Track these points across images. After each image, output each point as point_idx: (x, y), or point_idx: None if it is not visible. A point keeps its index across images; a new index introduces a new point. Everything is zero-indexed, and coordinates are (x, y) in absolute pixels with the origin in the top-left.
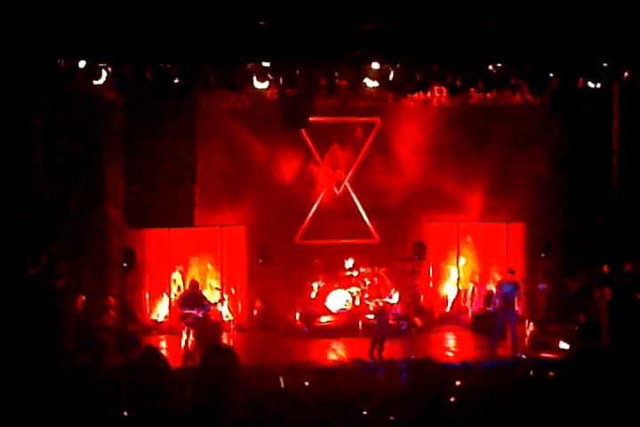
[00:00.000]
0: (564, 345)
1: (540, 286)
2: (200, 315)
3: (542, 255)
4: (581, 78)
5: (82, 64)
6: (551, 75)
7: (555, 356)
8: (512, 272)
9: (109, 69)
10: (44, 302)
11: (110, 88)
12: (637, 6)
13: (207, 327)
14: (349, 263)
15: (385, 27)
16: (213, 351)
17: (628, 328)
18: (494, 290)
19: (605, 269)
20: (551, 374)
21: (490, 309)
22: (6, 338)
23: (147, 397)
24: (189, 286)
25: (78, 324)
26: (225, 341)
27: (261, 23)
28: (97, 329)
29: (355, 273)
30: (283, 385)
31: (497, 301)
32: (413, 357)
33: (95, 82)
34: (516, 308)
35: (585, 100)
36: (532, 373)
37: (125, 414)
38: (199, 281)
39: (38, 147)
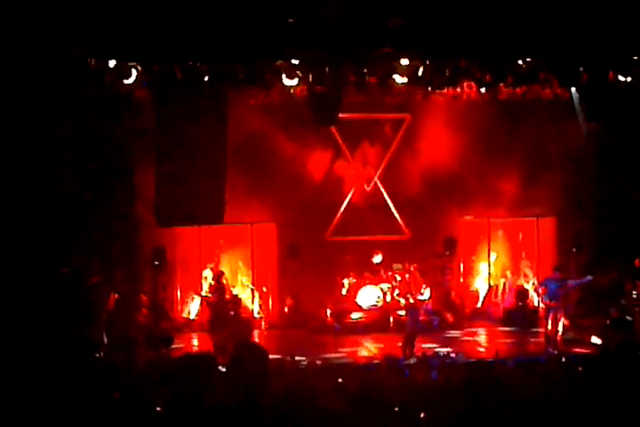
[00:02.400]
0: (596, 340)
1: (586, 279)
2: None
3: (574, 250)
4: (611, 71)
5: (112, 63)
6: (581, 68)
7: (587, 351)
8: (558, 269)
9: (139, 68)
10: (76, 300)
11: (140, 87)
12: None
13: (238, 325)
14: (377, 259)
15: (413, 22)
16: (244, 349)
17: None
18: (535, 287)
19: (637, 263)
20: (581, 369)
21: (520, 304)
22: (39, 335)
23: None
24: (214, 277)
25: (111, 321)
26: (256, 338)
27: (290, 20)
28: (129, 327)
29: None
30: None
31: (544, 298)
32: (443, 353)
33: (125, 81)
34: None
35: (615, 94)
36: (563, 368)
37: (158, 409)
38: (228, 278)
39: (69, 147)
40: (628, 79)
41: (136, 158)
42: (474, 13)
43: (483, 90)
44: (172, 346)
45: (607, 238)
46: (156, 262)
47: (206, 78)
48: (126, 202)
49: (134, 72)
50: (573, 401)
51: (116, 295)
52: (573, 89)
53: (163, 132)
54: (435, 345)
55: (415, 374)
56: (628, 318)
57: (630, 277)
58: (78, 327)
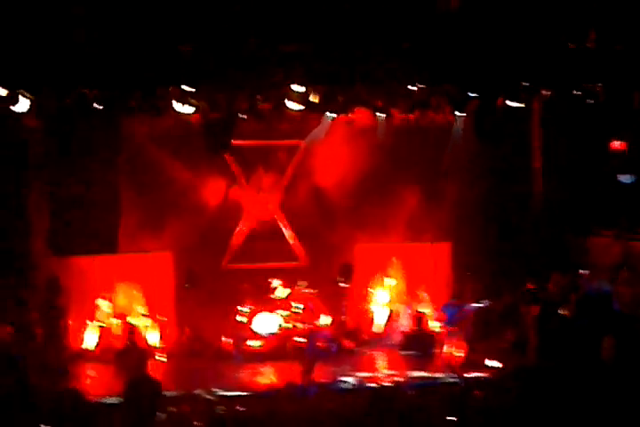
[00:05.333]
0: (491, 363)
1: (481, 303)
2: None
3: (468, 274)
4: (501, 97)
5: (1, 92)
6: (471, 94)
7: (484, 374)
8: (455, 294)
9: (29, 96)
10: None
11: (31, 115)
12: (556, 25)
13: (132, 356)
14: (275, 284)
15: (306, 48)
16: (136, 382)
17: (554, 344)
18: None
19: (531, 286)
20: (478, 392)
21: (418, 328)
22: None
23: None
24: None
25: (5, 354)
26: (151, 368)
27: (182, 48)
28: (23, 357)
29: (281, 293)
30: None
31: (442, 324)
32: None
33: (15, 109)
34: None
35: (506, 119)
36: (461, 391)
37: None
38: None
39: None
40: (518, 105)
41: (29, 188)
42: (365, 39)
43: (377, 116)
44: (68, 377)
45: (501, 262)
46: (51, 292)
47: (98, 106)
48: (19, 231)
49: (24, 100)
50: (472, 424)
51: (10, 328)
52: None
53: (55, 161)
54: (334, 371)
55: (316, 402)
56: (522, 341)
57: (524, 300)
58: None
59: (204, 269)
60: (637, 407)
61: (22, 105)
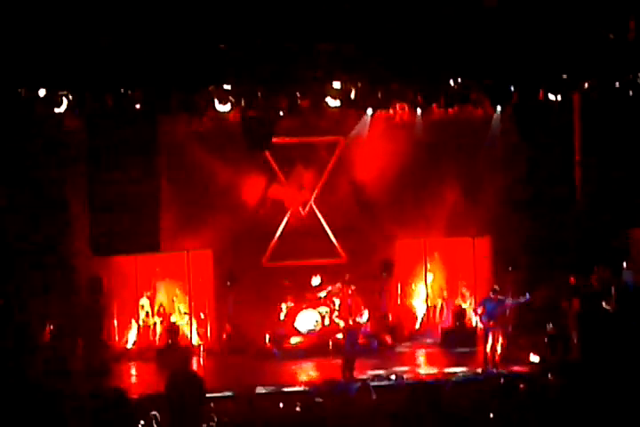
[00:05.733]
0: (534, 358)
1: (522, 299)
2: None
3: (509, 269)
4: (542, 90)
5: (42, 92)
6: (512, 88)
7: (525, 369)
8: (495, 290)
9: (70, 97)
10: (10, 333)
11: (72, 116)
12: (595, 17)
13: (175, 353)
14: (316, 281)
15: (343, 45)
16: (178, 378)
17: (597, 339)
18: (473, 307)
19: (572, 280)
20: (521, 387)
21: (458, 324)
22: None
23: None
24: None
25: (47, 353)
26: (194, 366)
27: (221, 46)
28: (66, 357)
29: (322, 294)
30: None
31: (482, 318)
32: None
33: (56, 110)
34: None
35: (547, 113)
36: (502, 386)
37: None
38: (166, 306)
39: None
40: (559, 98)
41: (70, 187)
42: (404, 35)
43: (418, 111)
44: (110, 376)
45: (542, 256)
46: (92, 292)
47: (138, 106)
48: (61, 232)
49: (65, 101)
50: (516, 420)
51: (51, 327)
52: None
53: (95, 161)
54: (375, 367)
55: (357, 398)
56: (564, 335)
57: (566, 294)
58: (13, 360)
59: (244, 266)
60: None
61: (63, 104)
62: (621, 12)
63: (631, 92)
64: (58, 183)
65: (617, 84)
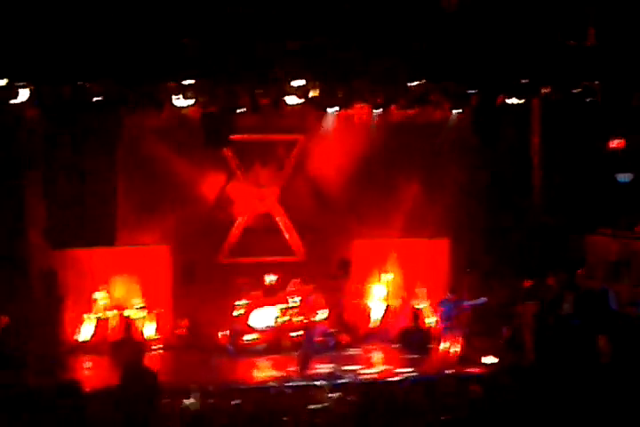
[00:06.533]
0: (488, 360)
1: (480, 300)
2: None
3: (467, 270)
4: (501, 95)
5: (1, 82)
6: (471, 91)
7: (480, 370)
8: (453, 290)
9: (29, 88)
10: None
11: (30, 107)
12: (555, 24)
13: (129, 347)
14: (270, 279)
15: (307, 44)
16: (132, 372)
17: (551, 343)
18: (430, 308)
19: (529, 283)
20: (474, 388)
21: (415, 324)
22: None
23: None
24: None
25: (1, 346)
26: (148, 361)
27: (184, 41)
28: (20, 350)
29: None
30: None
31: (439, 319)
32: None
33: (13, 101)
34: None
35: (505, 117)
36: (455, 388)
37: None
38: (121, 300)
39: None
40: (518, 101)
41: (27, 180)
42: (367, 35)
43: (375, 111)
44: (64, 369)
45: (498, 259)
46: (48, 285)
47: (97, 99)
48: (16, 224)
49: (24, 92)
50: (469, 419)
51: (6, 319)
52: None
53: (53, 154)
54: (330, 366)
55: (312, 395)
56: (519, 338)
57: (522, 298)
58: None
59: (201, 262)
60: (634, 406)
61: (21, 95)
62: (581, 19)
63: (589, 99)
64: (14, 176)
65: (575, 90)
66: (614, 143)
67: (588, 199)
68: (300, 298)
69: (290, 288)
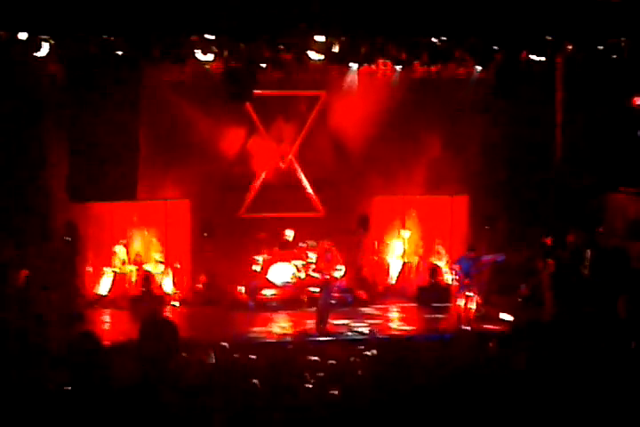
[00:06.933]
0: (506, 317)
1: (498, 257)
2: None
3: (486, 228)
4: (525, 51)
5: (23, 36)
6: (495, 47)
7: (498, 328)
8: (472, 247)
9: (51, 41)
10: None
11: (53, 60)
12: None
13: (149, 301)
14: (290, 235)
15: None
16: (152, 324)
17: (570, 301)
18: (449, 264)
19: (548, 241)
20: (492, 345)
21: (433, 281)
22: None
23: (83, 373)
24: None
25: (22, 298)
26: (167, 314)
27: None
28: (41, 303)
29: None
30: (214, 361)
31: (458, 275)
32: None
33: (36, 54)
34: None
35: (529, 74)
36: (472, 344)
37: (67, 388)
38: (142, 254)
39: None
40: (542, 59)
41: (48, 133)
42: None
43: (398, 68)
44: (83, 323)
45: (519, 217)
46: (68, 238)
47: (120, 53)
48: (38, 176)
49: (46, 45)
50: (485, 377)
51: (27, 271)
52: None
53: (75, 107)
54: (348, 322)
55: (329, 351)
56: (538, 295)
57: (541, 255)
58: None
59: (221, 217)
60: None
61: (43, 50)
62: None
63: (615, 56)
64: (36, 129)
65: (600, 47)
66: (638, 101)
67: (611, 157)
68: (318, 254)
69: (310, 244)
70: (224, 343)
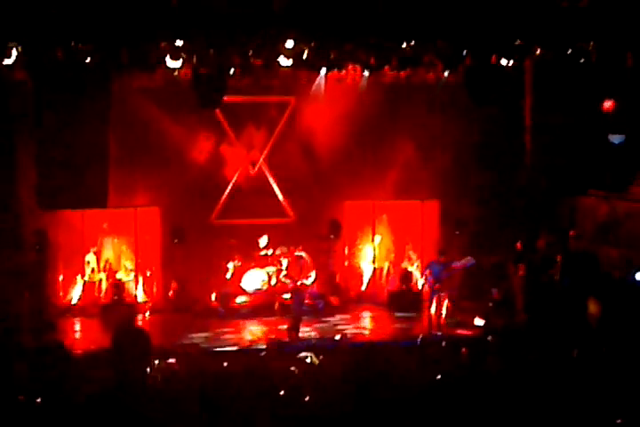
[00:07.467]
0: (478, 322)
1: (468, 262)
2: None
3: (457, 233)
4: (494, 55)
5: None
6: (464, 52)
7: (469, 333)
8: (442, 252)
9: (19, 49)
10: None
11: (20, 68)
12: None
13: (120, 309)
14: (263, 241)
15: (298, 4)
16: (125, 333)
17: (541, 305)
18: (420, 269)
19: (519, 245)
20: (464, 350)
21: (405, 286)
22: None
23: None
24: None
25: None
26: (139, 323)
27: (174, 1)
28: (11, 312)
29: (269, 252)
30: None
31: (429, 280)
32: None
33: (4, 62)
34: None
35: (498, 77)
36: (444, 350)
37: (37, 400)
38: (112, 262)
39: None
40: (511, 63)
41: (18, 141)
42: None
43: (367, 73)
44: (55, 332)
45: (489, 221)
46: (38, 247)
47: (89, 60)
48: (7, 185)
49: (14, 52)
50: (458, 382)
51: None
52: None
53: (44, 115)
54: (320, 328)
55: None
56: (509, 300)
57: (512, 259)
58: None
59: (191, 224)
60: (621, 368)
61: (11, 57)
62: None
63: (582, 60)
64: (5, 137)
65: (569, 50)
66: (607, 105)
67: (579, 161)
68: (290, 260)
69: (281, 251)
70: (193, 351)
